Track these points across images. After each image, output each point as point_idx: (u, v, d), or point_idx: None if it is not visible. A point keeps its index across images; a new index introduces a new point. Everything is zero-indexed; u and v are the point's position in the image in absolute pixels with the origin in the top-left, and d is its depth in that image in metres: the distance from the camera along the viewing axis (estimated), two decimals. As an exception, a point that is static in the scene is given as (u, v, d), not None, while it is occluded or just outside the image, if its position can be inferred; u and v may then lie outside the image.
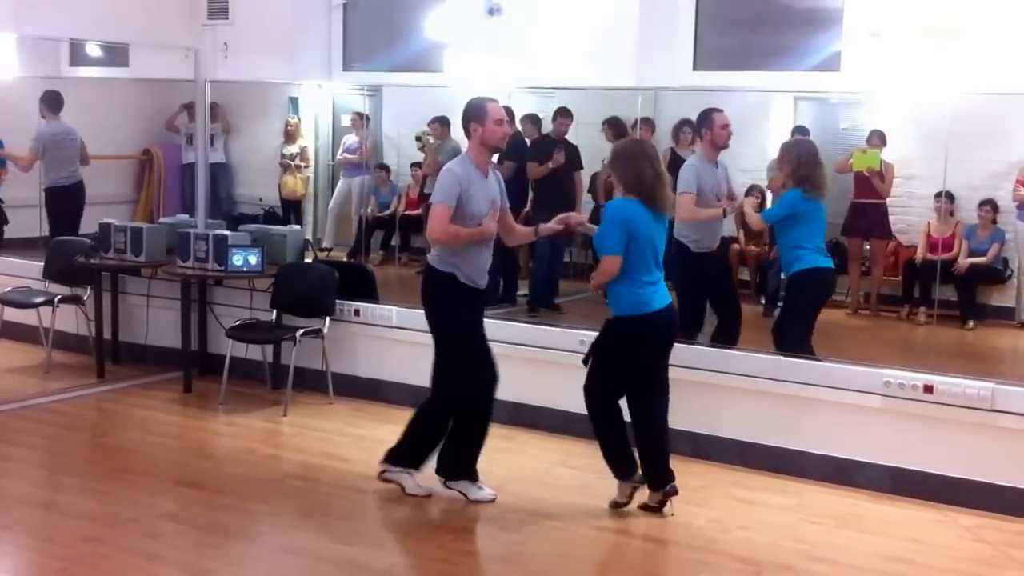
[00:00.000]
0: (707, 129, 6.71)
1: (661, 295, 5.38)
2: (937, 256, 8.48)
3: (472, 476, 5.65)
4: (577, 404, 5.66)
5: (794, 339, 6.31)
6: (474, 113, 5.44)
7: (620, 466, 5.48)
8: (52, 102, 9.07)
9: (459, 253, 5.43)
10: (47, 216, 9.21)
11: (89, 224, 8.47)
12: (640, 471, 5.45)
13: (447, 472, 5.64)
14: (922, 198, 8.98)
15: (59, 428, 6.80)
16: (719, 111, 6.71)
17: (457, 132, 9.67)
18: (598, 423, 5.48)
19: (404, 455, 5.68)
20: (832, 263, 6.47)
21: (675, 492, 5.44)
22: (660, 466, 5.43)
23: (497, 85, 7.45)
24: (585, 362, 5.48)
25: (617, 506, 5.50)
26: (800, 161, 6.32)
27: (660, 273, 5.40)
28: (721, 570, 4.89)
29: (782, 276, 6.63)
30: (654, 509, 5.46)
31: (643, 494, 5.48)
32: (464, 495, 5.62)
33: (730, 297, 7.06)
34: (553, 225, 5.64)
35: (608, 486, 5.59)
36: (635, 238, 5.28)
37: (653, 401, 5.46)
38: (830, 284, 6.52)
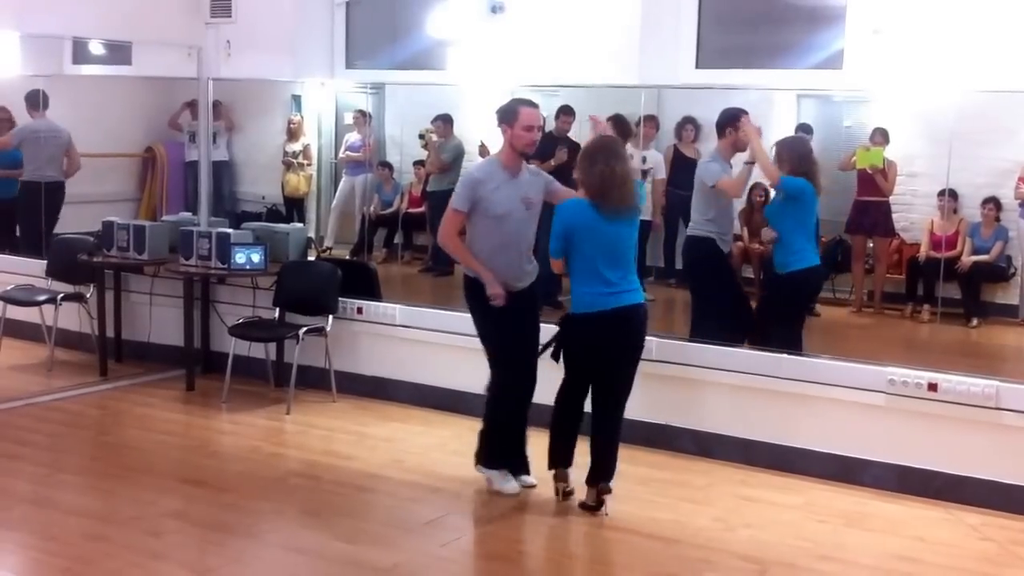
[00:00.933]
0: (733, 129, 6.47)
1: (618, 297, 5.23)
2: (940, 254, 8.44)
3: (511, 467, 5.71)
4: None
5: (780, 342, 6.26)
6: (505, 115, 5.47)
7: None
8: (35, 100, 9.03)
9: (487, 259, 5.48)
10: (19, 211, 9.23)
11: (91, 222, 8.46)
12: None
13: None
14: (925, 196, 8.95)
15: (62, 426, 6.80)
16: (747, 113, 6.52)
17: (459, 130, 9.73)
18: (554, 413, 5.52)
19: (488, 455, 5.74)
20: (818, 260, 6.39)
21: (608, 491, 5.38)
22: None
23: (500, 83, 7.46)
24: (554, 357, 5.43)
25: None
26: (801, 159, 6.30)
27: (622, 274, 5.25)
28: (726, 569, 4.87)
29: (777, 271, 6.55)
30: (591, 508, 5.42)
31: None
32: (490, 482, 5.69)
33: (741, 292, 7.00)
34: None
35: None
36: (579, 241, 5.20)
37: (618, 402, 5.41)
38: (812, 281, 6.42)
